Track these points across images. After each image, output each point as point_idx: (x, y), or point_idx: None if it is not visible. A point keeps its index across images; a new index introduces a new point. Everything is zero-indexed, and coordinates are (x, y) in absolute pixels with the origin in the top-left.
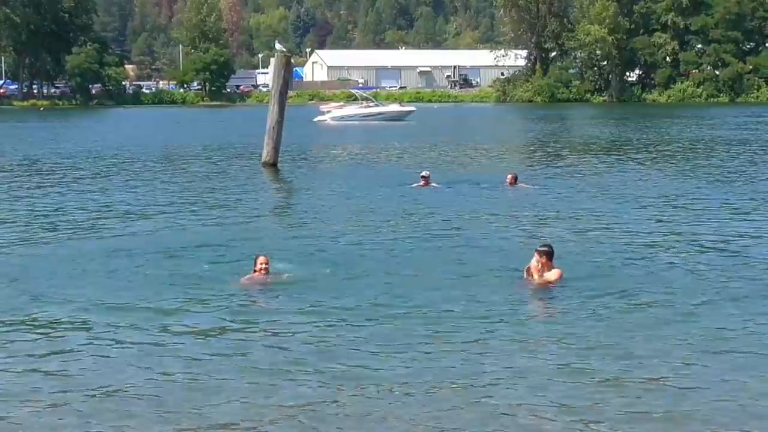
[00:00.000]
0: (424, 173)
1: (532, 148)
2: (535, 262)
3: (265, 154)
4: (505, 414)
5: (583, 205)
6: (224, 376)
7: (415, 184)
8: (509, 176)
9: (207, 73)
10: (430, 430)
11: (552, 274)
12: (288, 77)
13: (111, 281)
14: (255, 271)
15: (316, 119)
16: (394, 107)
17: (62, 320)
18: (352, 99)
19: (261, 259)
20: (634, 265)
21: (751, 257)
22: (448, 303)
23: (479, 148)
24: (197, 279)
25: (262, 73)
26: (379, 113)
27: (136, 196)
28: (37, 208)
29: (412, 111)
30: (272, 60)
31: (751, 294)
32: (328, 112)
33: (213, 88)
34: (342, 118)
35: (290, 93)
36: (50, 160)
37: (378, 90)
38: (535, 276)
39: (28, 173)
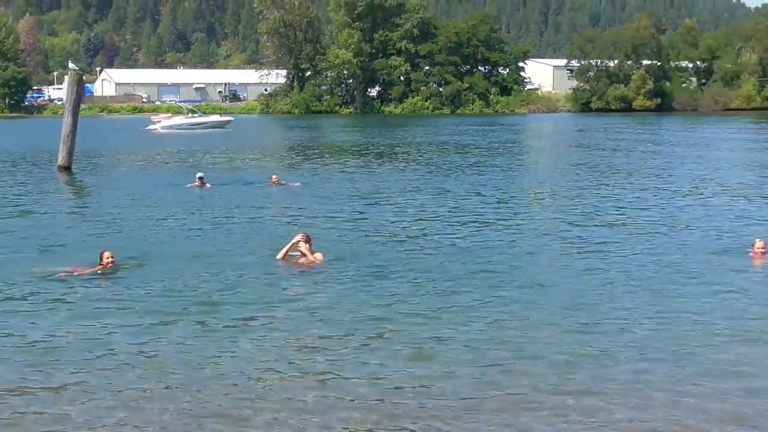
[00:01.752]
0: (199, 174)
1: (294, 152)
2: (300, 245)
3: (61, 158)
4: (259, 397)
5: (338, 199)
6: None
7: (190, 185)
8: (273, 177)
9: (6, 88)
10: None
11: (318, 256)
12: (80, 92)
13: None
14: (102, 264)
15: (146, 128)
16: (215, 117)
17: None
18: (177, 111)
19: (107, 253)
20: (386, 247)
21: (481, 235)
22: (223, 289)
23: (252, 152)
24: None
25: (57, 88)
26: (203, 123)
27: None
28: None
29: (231, 120)
30: (66, 77)
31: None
32: (158, 122)
33: (12, 102)
34: (171, 127)
35: (83, 106)
36: None
37: (161, 103)
38: (305, 257)
39: None
